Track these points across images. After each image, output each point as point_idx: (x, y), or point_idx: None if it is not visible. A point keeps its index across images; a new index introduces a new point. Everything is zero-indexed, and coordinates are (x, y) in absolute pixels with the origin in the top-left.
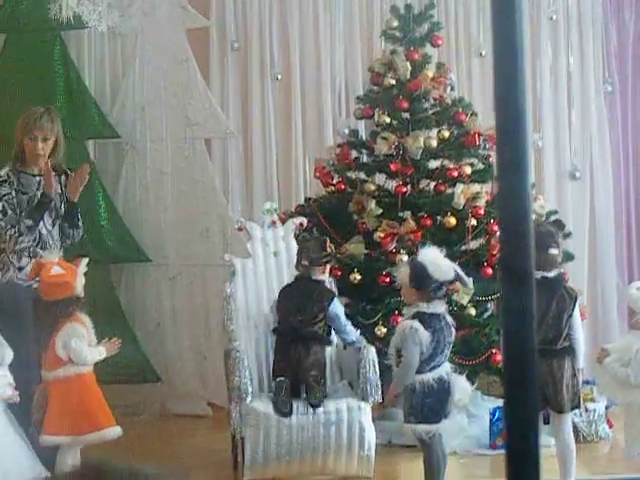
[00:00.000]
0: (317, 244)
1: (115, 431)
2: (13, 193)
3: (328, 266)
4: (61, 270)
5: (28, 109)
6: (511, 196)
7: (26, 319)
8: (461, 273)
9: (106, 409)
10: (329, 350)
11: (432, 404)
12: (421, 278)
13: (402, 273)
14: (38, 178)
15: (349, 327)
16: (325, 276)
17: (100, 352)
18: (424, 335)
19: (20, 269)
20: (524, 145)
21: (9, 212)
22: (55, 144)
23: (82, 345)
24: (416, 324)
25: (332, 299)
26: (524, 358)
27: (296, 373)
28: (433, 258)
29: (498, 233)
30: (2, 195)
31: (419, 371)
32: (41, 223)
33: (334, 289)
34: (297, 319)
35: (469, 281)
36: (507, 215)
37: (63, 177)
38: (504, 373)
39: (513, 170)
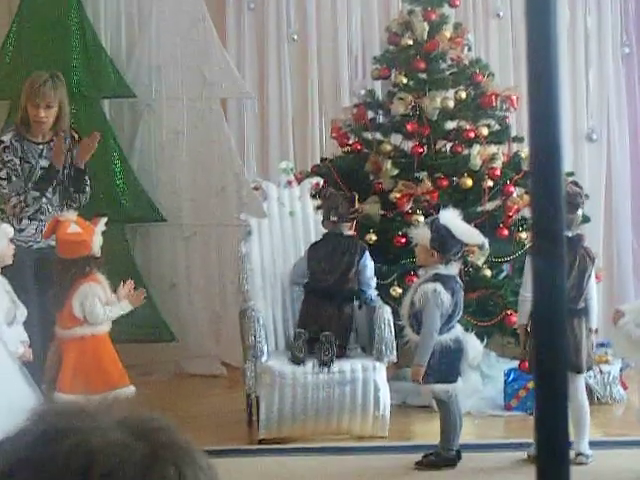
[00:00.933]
0: (346, 200)
1: (129, 390)
2: (16, 161)
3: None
4: (78, 228)
5: (33, 73)
6: (543, 152)
7: (27, 281)
8: (481, 236)
9: (120, 368)
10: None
11: (449, 364)
12: (445, 240)
13: (421, 234)
14: (41, 146)
15: (372, 283)
16: (352, 232)
17: (123, 307)
18: (446, 297)
19: (20, 231)
20: (556, 99)
21: (14, 179)
22: (59, 112)
23: (98, 306)
24: (439, 287)
25: (364, 251)
26: (554, 321)
27: (317, 331)
28: (456, 221)
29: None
30: (6, 162)
31: (438, 333)
32: None
33: None
34: (332, 277)
35: (486, 242)
36: (540, 174)
37: (69, 140)
38: (534, 337)
39: (545, 124)
